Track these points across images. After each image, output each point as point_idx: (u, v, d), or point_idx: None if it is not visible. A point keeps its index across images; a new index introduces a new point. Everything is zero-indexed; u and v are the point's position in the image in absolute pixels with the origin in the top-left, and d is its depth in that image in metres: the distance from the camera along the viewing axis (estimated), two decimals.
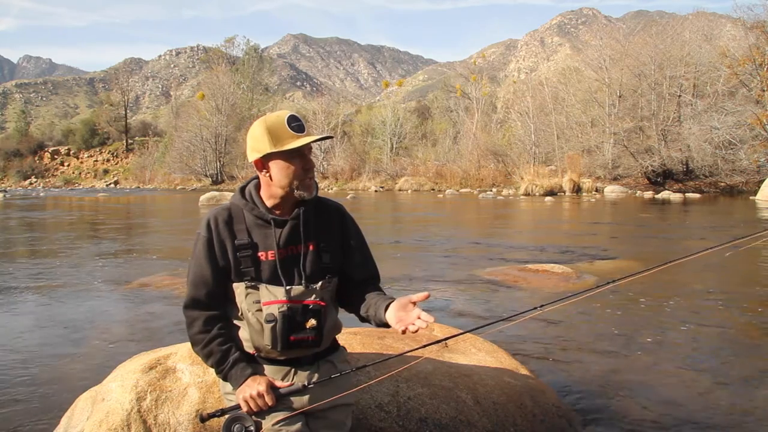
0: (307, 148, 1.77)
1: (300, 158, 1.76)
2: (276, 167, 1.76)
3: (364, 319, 1.86)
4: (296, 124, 1.73)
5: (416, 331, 1.61)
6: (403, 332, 1.63)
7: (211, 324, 1.77)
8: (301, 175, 1.76)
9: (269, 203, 1.82)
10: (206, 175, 56.22)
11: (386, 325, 1.73)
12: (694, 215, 15.82)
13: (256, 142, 1.76)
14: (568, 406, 2.69)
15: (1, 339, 4.12)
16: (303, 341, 1.75)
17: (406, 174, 43.21)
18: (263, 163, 1.77)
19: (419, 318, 1.62)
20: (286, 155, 1.74)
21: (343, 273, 1.89)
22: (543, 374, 3.13)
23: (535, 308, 1.88)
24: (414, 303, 1.68)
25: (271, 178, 1.77)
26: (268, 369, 1.78)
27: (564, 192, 28.51)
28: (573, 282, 5.85)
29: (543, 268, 6.42)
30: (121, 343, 3.96)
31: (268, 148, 1.73)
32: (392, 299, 1.76)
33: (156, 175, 65.00)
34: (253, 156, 1.78)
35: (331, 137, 2.09)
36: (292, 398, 1.72)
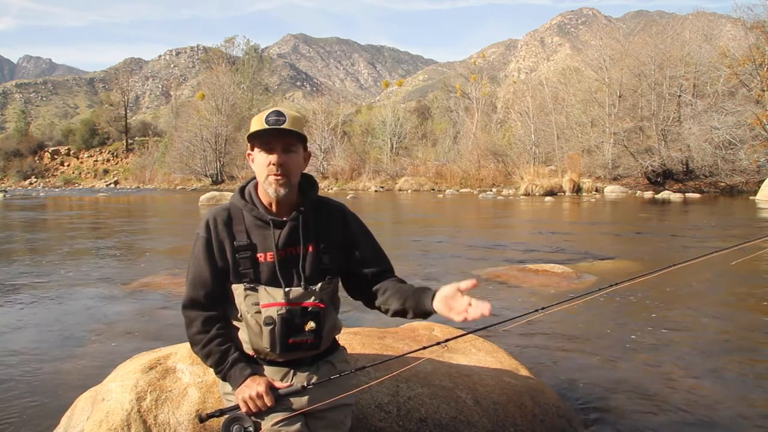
0: (281, 144, 1.73)
1: (267, 152, 1.74)
2: (253, 158, 1.80)
3: (397, 313, 1.82)
4: (272, 119, 1.72)
5: (475, 318, 1.57)
6: (464, 320, 1.59)
7: (210, 324, 1.77)
8: (265, 168, 1.75)
9: (265, 201, 1.81)
10: (206, 175, 56.20)
11: (429, 314, 1.71)
12: (694, 215, 15.81)
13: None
14: (568, 406, 2.68)
15: (0, 339, 4.12)
16: (302, 344, 1.74)
17: (406, 174, 43.18)
18: (250, 153, 1.82)
19: (470, 305, 1.58)
20: (258, 145, 1.76)
21: (356, 271, 1.88)
22: (543, 374, 3.13)
23: (537, 310, 1.87)
24: (461, 291, 1.64)
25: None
26: (267, 369, 1.78)
27: (564, 192, 28.50)
28: (573, 282, 5.85)
29: (543, 268, 6.42)
30: (121, 343, 3.96)
31: (248, 135, 1.78)
32: (433, 289, 1.73)
33: (156, 175, 64.95)
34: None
35: (298, 133, 1.76)
36: (291, 399, 1.72)
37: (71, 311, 4.95)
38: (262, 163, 1.75)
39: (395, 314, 1.84)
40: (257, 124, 1.74)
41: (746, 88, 28.53)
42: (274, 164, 1.73)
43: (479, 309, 1.56)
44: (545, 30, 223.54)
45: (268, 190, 1.76)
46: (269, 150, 1.74)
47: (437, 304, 1.67)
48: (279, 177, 1.73)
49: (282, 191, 1.75)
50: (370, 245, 1.92)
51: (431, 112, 61.38)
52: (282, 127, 1.71)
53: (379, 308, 1.88)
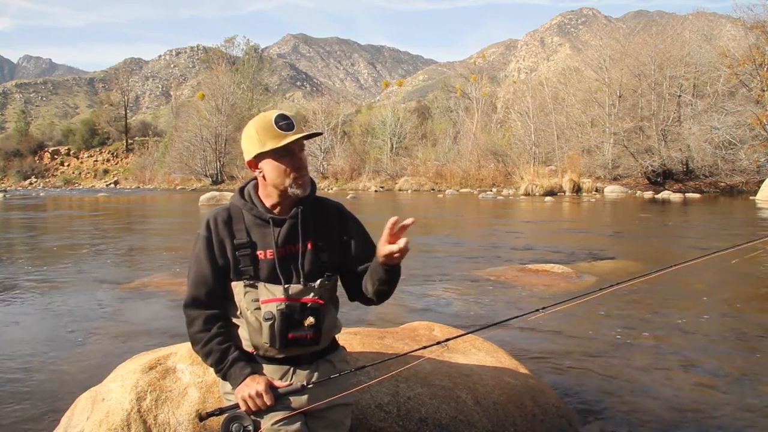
0: (298, 146, 1.77)
1: (290, 157, 1.76)
2: (268, 167, 1.77)
3: (379, 294, 1.82)
4: (284, 123, 1.73)
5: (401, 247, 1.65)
6: (394, 253, 1.65)
7: (211, 323, 1.78)
8: (292, 173, 1.76)
9: (267, 202, 1.83)
10: (206, 175, 56.20)
11: (382, 267, 1.72)
12: (695, 215, 15.81)
13: (247, 143, 1.79)
14: (568, 406, 2.68)
15: (0, 339, 4.12)
16: (301, 339, 1.75)
17: (406, 174, 43.19)
18: (256, 163, 1.80)
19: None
20: (275, 154, 1.75)
21: (351, 268, 1.89)
22: (543, 374, 3.13)
23: (537, 310, 1.88)
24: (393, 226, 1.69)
25: (264, 178, 1.80)
26: (267, 368, 1.78)
27: (564, 192, 28.50)
28: (573, 282, 5.85)
29: (543, 268, 6.42)
30: (121, 343, 3.96)
31: (257, 149, 1.75)
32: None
33: (156, 175, 64.96)
34: (246, 157, 1.81)
35: (320, 133, 2.01)
36: (291, 398, 1.72)
37: (71, 311, 4.95)
38: (282, 168, 1.76)
39: (378, 298, 1.84)
40: (270, 131, 1.72)
41: (746, 88, 28.53)
42: (302, 168, 1.78)
43: (404, 240, 1.65)
44: (545, 30, 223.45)
45: (296, 192, 1.78)
46: (290, 155, 1.76)
47: (379, 250, 1.71)
48: (305, 178, 1.80)
49: (308, 189, 1.82)
50: (364, 242, 1.93)
51: (431, 112, 61.35)
52: (306, 132, 1.77)
53: (370, 299, 1.87)
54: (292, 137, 1.72)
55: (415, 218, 1.66)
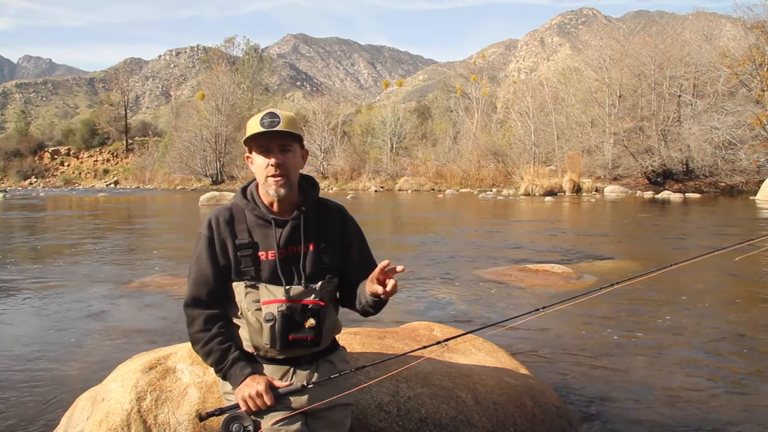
0: (276, 144, 1.77)
1: (264, 154, 1.78)
2: (252, 160, 1.84)
3: (364, 312, 1.86)
4: (266, 121, 1.75)
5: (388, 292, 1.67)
6: (385, 293, 1.68)
7: (212, 323, 1.78)
8: (264, 170, 1.78)
9: (266, 201, 1.84)
10: (206, 175, 56.22)
11: (375, 296, 1.74)
12: (695, 215, 15.82)
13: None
14: (568, 406, 2.68)
15: (0, 339, 4.12)
16: (302, 341, 1.76)
17: (406, 174, 43.21)
18: (248, 157, 1.86)
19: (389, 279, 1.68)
20: (255, 148, 1.80)
21: (343, 273, 1.90)
22: (543, 374, 3.13)
23: (537, 310, 1.88)
24: (384, 266, 1.69)
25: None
26: (267, 368, 1.79)
27: (564, 192, 28.50)
28: (573, 282, 5.85)
29: (543, 268, 6.42)
30: (121, 343, 3.96)
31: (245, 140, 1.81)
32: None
33: (156, 175, 64.97)
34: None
35: (294, 134, 1.79)
36: (291, 398, 1.72)
37: (71, 311, 4.95)
38: (260, 165, 1.79)
39: (363, 315, 1.88)
40: (253, 127, 1.77)
41: (746, 88, 28.53)
42: (272, 165, 1.76)
43: (392, 283, 1.66)
44: (545, 30, 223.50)
45: (268, 191, 1.79)
46: (266, 152, 1.78)
47: (368, 286, 1.75)
48: (278, 178, 1.77)
49: (282, 191, 1.78)
50: (361, 250, 1.94)
51: (431, 112, 61.39)
52: (277, 128, 1.74)
53: (359, 311, 1.89)
54: (256, 129, 1.75)
55: (404, 267, 1.69)
